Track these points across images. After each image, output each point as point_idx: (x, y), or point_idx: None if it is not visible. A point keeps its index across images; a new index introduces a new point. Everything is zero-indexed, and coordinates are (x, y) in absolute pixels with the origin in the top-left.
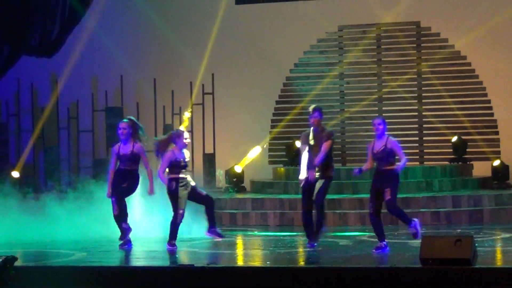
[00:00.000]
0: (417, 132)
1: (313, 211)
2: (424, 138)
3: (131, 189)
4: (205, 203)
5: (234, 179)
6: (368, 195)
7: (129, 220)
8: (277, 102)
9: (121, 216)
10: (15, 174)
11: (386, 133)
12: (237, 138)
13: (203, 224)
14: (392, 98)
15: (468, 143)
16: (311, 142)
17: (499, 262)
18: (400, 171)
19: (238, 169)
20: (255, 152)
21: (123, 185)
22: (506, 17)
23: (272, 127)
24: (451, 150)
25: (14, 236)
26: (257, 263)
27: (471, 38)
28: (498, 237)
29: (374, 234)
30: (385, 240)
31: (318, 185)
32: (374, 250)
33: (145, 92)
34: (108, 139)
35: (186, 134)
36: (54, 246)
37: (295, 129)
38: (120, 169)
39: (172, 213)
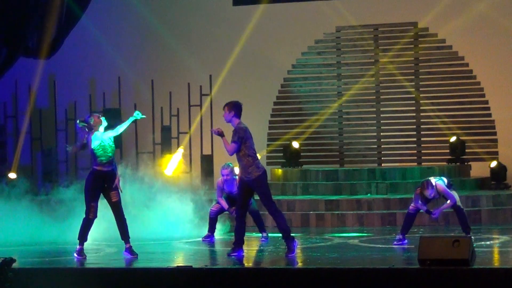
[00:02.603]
0: (415, 133)
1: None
2: (422, 139)
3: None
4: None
5: None
6: (366, 196)
7: (128, 221)
8: (275, 103)
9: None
10: (12, 175)
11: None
12: None
13: (202, 226)
14: (389, 98)
15: (466, 144)
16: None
17: (497, 262)
18: None
19: (237, 170)
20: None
21: (114, 198)
22: (503, 18)
23: (270, 128)
24: (449, 150)
25: (12, 237)
26: (255, 264)
27: (469, 39)
28: (496, 237)
29: (371, 234)
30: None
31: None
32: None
33: (143, 93)
34: None
35: (224, 171)
36: (52, 247)
37: (293, 130)
38: (100, 171)
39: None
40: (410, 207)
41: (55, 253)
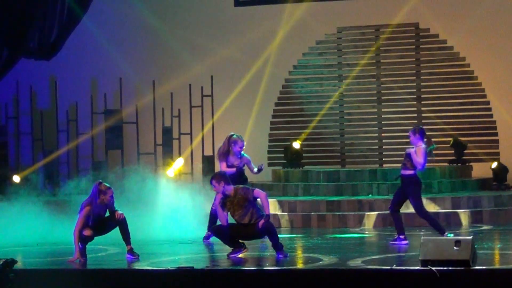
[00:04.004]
0: None
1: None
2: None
3: None
4: None
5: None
6: (367, 197)
7: (130, 222)
8: (276, 104)
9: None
10: (16, 178)
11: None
12: None
13: (203, 227)
14: (391, 99)
15: (468, 145)
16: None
17: (498, 263)
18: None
19: None
20: (179, 163)
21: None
22: (505, 18)
23: (271, 129)
24: (451, 151)
25: (14, 239)
26: (256, 265)
27: (470, 39)
28: (498, 238)
29: (372, 235)
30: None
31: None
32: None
33: (144, 94)
34: (107, 142)
35: (241, 143)
36: (54, 248)
37: (294, 131)
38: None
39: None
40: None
41: (56, 254)
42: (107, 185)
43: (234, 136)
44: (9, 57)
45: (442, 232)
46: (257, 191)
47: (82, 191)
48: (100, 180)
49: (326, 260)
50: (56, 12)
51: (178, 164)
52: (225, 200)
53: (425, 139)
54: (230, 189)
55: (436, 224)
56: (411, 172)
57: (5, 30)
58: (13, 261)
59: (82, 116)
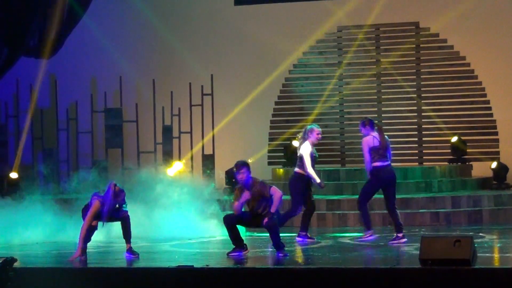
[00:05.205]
0: (416, 132)
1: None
2: (423, 139)
3: None
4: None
5: (234, 180)
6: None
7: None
8: (276, 103)
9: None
10: (13, 175)
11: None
12: (236, 139)
13: (205, 224)
14: (391, 98)
15: (468, 144)
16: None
17: (498, 262)
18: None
19: None
20: (177, 167)
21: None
22: (505, 17)
23: (271, 128)
24: (450, 150)
25: (14, 237)
26: (256, 264)
27: (470, 39)
28: (498, 237)
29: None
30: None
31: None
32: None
33: (144, 93)
34: (107, 140)
35: (318, 130)
36: (53, 247)
37: (294, 130)
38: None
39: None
40: None
41: (56, 252)
42: (120, 187)
43: (309, 127)
44: (9, 55)
45: (368, 228)
46: (274, 189)
47: (87, 190)
48: (115, 182)
49: (324, 259)
50: (56, 11)
51: (178, 167)
52: (242, 189)
53: (375, 128)
54: (250, 180)
55: (367, 219)
56: (375, 164)
57: (5, 29)
58: (13, 260)
59: (82, 114)
